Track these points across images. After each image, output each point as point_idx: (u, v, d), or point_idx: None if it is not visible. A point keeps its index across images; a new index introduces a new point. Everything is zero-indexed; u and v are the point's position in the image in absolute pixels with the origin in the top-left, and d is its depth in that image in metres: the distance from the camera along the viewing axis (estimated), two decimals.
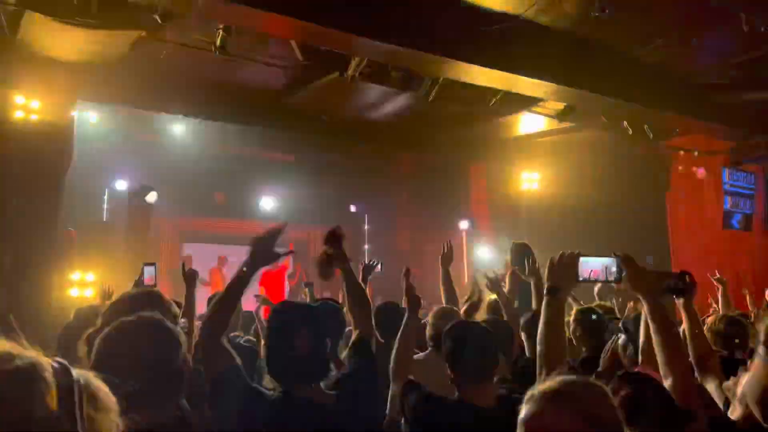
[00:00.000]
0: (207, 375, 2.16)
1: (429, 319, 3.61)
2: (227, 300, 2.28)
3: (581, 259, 2.11)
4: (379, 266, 5.04)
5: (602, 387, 1.33)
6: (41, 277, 6.92)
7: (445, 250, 4.75)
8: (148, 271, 4.29)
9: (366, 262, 4.90)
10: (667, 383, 1.95)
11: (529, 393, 1.30)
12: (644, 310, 2.25)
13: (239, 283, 2.28)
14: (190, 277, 3.82)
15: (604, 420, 1.25)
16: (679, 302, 2.54)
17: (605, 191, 10.24)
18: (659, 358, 2.02)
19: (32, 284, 6.77)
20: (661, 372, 1.99)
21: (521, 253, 4.57)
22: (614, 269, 2.14)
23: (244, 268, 2.28)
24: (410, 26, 6.10)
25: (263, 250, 2.30)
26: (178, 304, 3.39)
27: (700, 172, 9.67)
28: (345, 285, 2.67)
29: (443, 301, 4.59)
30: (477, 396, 2.39)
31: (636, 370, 2.13)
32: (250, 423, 2.06)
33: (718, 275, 5.08)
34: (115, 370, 1.32)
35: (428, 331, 3.49)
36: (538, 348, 2.04)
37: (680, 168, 9.96)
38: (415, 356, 3.36)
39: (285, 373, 2.16)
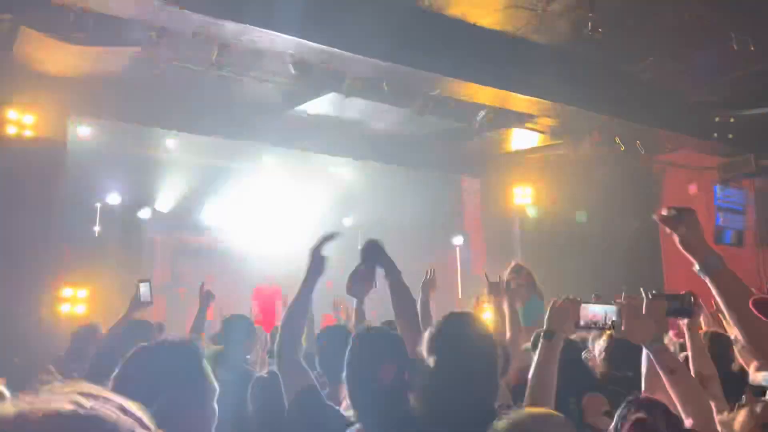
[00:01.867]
0: (286, 394, 2.14)
1: (425, 338, 3.54)
2: (294, 316, 2.29)
3: (582, 305, 2.12)
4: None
5: (560, 419, 1.25)
6: (32, 292, 6.87)
7: (428, 276, 4.20)
8: (144, 289, 4.22)
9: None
10: (687, 423, 1.91)
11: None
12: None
13: (303, 295, 2.32)
14: (205, 297, 3.81)
15: None
16: (684, 323, 2.56)
17: (597, 207, 10.29)
18: (676, 400, 1.99)
19: (24, 300, 6.72)
20: (682, 413, 1.95)
21: (525, 274, 4.58)
22: (614, 317, 2.13)
23: (305, 279, 2.32)
24: (404, 44, 6.15)
25: (318, 257, 2.33)
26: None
27: (692, 188, 9.74)
28: (392, 293, 2.52)
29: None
30: None
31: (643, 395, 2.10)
32: None
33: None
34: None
35: None
36: (528, 384, 2.06)
37: (672, 184, 10.03)
38: None
39: (367, 405, 2.06)
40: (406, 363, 2.15)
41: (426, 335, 2.03)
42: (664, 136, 8.48)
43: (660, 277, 9.92)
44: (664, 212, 1.87)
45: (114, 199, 10.80)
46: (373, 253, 2.55)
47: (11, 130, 7.06)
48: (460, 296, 11.41)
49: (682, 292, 2.44)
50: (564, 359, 2.13)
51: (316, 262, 2.33)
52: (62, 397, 0.69)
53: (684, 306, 2.35)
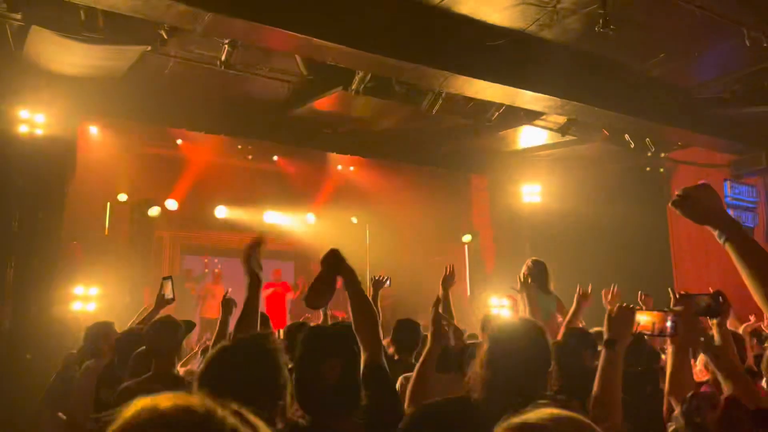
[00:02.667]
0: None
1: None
2: (247, 319, 2.34)
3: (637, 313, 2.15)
4: (388, 281, 4.98)
5: (585, 423, 1.12)
6: (44, 290, 6.91)
7: (447, 273, 4.71)
8: (167, 285, 4.44)
9: (375, 277, 4.85)
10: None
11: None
12: (670, 350, 2.27)
13: (249, 302, 2.37)
14: (226, 305, 3.88)
15: None
16: (713, 322, 2.58)
17: (607, 204, 10.26)
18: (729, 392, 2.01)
19: (35, 298, 6.76)
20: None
21: (539, 270, 4.60)
22: (670, 323, 2.14)
23: (247, 287, 2.37)
24: (414, 41, 6.14)
25: (252, 263, 2.40)
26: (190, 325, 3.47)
27: None
28: (352, 302, 2.49)
29: None
30: None
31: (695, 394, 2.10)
32: None
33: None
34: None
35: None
36: (593, 394, 2.07)
37: (681, 181, 9.99)
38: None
39: (314, 404, 2.04)
40: (354, 360, 2.14)
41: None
42: (674, 133, 8.44)
43: (669, 273, 9.89)
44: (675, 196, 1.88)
45: (123, 197, 10.85)
46: (334, 263, 2.51)
47: (23, 129, 7.11)
48: (468, 293, 11.41)
49: (711, 291, 2.45)
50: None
51: (252, 276, 2.38)
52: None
53: (713, 305, 2.35)
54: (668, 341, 2.39)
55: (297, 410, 1.96)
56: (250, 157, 11.98)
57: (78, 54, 6.51)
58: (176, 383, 3.20)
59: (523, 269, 4.73)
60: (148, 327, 3.68)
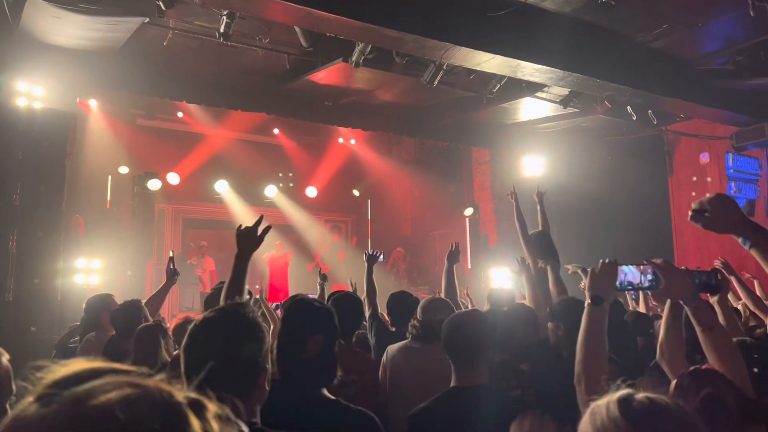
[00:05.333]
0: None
1: (418, 309, 3.60)
2: (233, 289, 2.38)
3: (619, 267, 2.12)
4: (381, 256, 5.25)
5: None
6: (47, 263, 6.95)
7: (453, 249, 4.86)
8: (173, 260, 4.75)
9: (368, 252, 5.03)
10: None
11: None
12: (666, 311, 2.27)
13: (235, 272, 2.43)
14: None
15: None
16: (713, 299, 2.60)
17: (608, 176, 10.25)
18: (711, 358, 1.98)
19: (38, 271, 6.80)
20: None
21: (541, 242, 4.60)
22: (650, 276, 2.13)
23: (235, 259, 2.45)
24: (415, 12, 6.08)
25: (245, 238, 2.47)
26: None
27: (703, 158, 9.67)
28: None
29: (443, 293, 4.64)
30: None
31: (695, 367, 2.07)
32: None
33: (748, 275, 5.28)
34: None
35: (413, 321, 3.47)
36: (578, 355, 2.02)
37: (684, 153, 9.96)
38: (397, 345, 3.44)
39: (295, 374, 2.12)
40: (334, 336, 2.20)
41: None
42: (677, 105, 8.39)
43: (670, 245, 9.92)
44: (691, 211, 1.91)
45: (124, 170, 10.85)
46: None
47: (22, 102, 7.08)
48: (469, 266, 11.46)
49: (710, 269, 2.46)
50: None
51: (244, 242, 2.49)
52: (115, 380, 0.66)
53: (712, 282, 2.35)
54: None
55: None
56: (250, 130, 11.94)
57: (75, 26, 6.46)
58: None
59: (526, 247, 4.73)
60: (208, 295, 4.00)
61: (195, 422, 0.65)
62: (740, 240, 1.85)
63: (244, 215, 11.69)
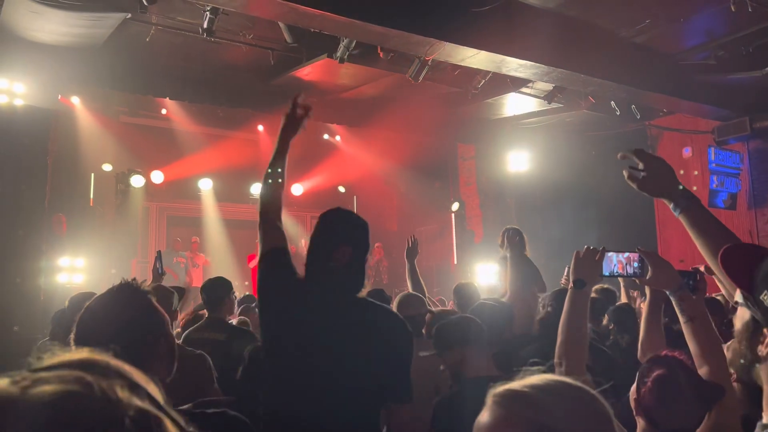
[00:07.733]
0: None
1: (395, 306, 3.61)
2: (274, 174, 2.48)
3: (606, 254, 2.13)
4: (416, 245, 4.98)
5: (576, 389, 0.96)
6: (29, 262, 6.88)
7: (410, 245, 4.76)
8: (159, 259, 4.72)
9: (409, 245, 4.81)
10: (702, 372, 1.93)
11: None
12: (646, 304, 2.28)
13: (279, 148, 2.56)
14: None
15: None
16: None
17: (592, 171, 10.31)
18: (693, 348, 1.99)
19: (21, 270, 6.73)
20: (696, 363, 1.96)
21: (521, 238, 4.61)
22: (636, 264, 2.14)
23: (279, 139, 2.58)
24: (400, 8, 6.07)
25: (291, 121, 2.61)
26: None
27: (686, 152, 9.75)
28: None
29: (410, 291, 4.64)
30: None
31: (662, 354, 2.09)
32: (285, 294, 2.21)
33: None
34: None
35: None
36: (558, 339, 2.04)
37: (666, 148, 10.04)
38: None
39: (322, 282, 2.20)
40: (364, 249, 2.28)
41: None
42: (660, 99, 8.45)
43: (654, 240, 10.01)
44: (619, 156, 1.91)
45: (108, 167, 10.75)
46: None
47: (2, 99, 6.99)
48: (455, 262, 11.49)
49: (690, 270, 2.47)
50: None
51: (291, 124, 2.63)
52: (68, 373, 0.63)
53: (690, 283, 2.37)
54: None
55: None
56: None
57: (56, 21, 6.38)
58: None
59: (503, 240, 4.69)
60: (205, 282, 4.24)
61: None
62: (671, 206, 1.82)
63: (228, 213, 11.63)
